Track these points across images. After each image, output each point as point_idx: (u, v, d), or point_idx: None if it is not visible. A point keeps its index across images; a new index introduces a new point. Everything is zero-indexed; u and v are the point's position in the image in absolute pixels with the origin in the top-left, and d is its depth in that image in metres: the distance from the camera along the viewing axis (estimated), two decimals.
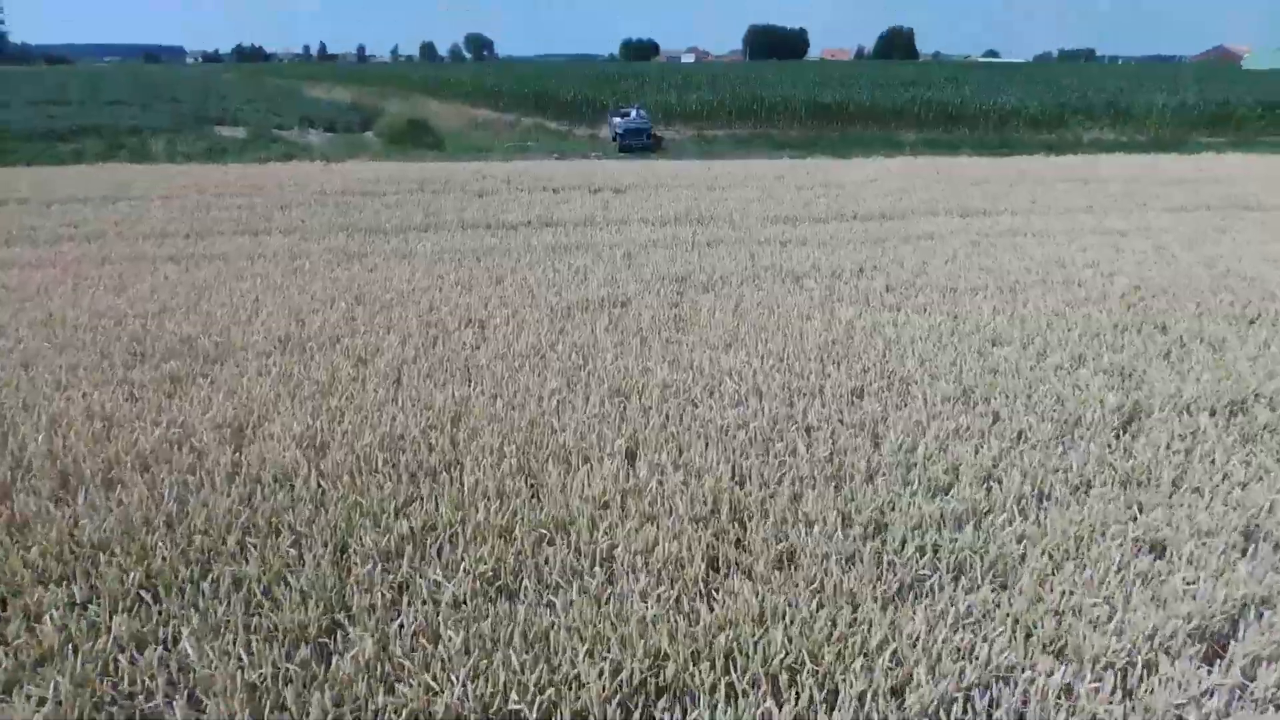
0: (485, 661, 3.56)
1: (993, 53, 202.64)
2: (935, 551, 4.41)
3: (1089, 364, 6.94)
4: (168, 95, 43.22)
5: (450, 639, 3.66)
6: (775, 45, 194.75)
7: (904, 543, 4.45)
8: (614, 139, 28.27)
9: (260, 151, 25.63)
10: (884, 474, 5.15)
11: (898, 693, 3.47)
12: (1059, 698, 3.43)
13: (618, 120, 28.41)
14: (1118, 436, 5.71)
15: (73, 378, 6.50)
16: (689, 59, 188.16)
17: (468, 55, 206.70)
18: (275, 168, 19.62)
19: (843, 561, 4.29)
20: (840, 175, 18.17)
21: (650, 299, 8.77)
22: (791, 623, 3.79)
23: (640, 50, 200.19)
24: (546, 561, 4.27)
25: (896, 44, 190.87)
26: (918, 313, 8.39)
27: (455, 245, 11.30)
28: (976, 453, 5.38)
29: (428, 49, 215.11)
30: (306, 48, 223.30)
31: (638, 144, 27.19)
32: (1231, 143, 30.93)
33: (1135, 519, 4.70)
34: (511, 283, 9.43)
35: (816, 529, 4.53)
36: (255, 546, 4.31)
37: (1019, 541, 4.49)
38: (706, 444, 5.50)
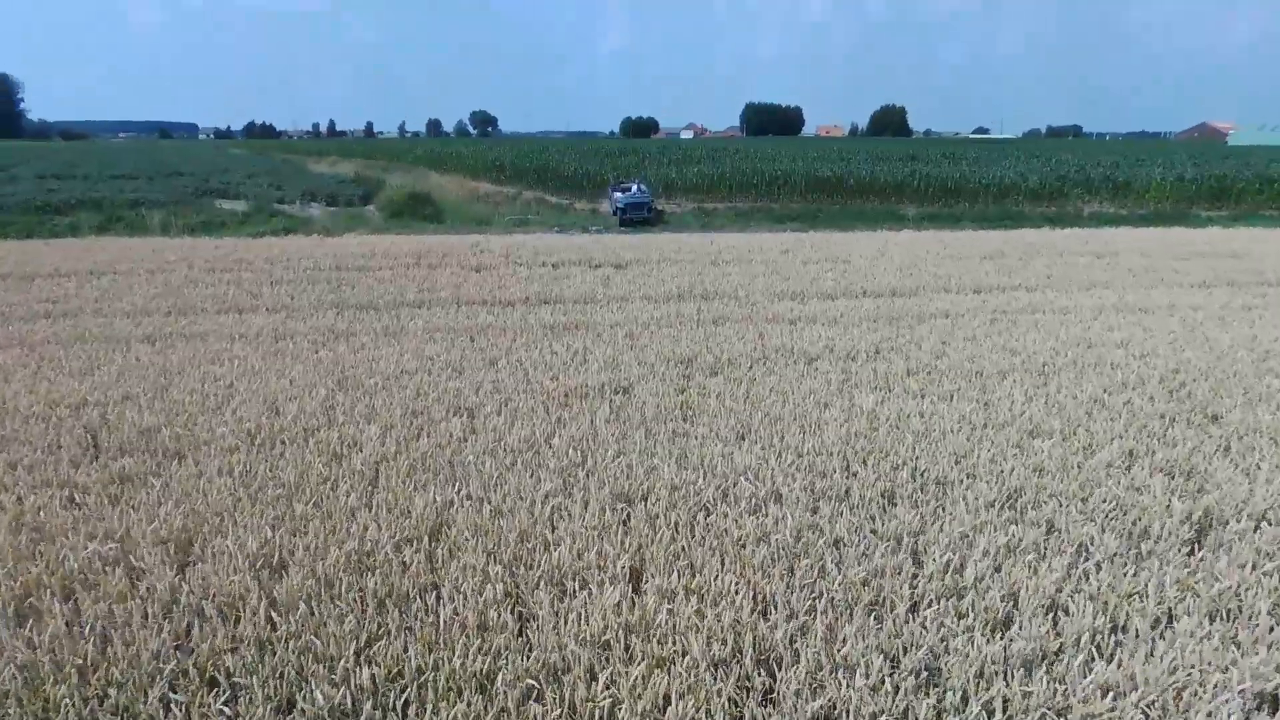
0: None
1: (983, 130, 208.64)
2: (1005, 709, 3.65)
3: (1142, 461, 6.25)
4: (172, 169, 43.67)
5: None
6: (772, 122, 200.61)
7: (965, 698, 3.69)
8: (615, 213, 28.22)
9: (260, 225, 25.51)
10: (931, 602, 4.41)
11: None
12: None
13: (618, 195, 28.42)
14: (1192, 552, 4.98)
15: (10, 478, 5.81)
16: (688, 135, 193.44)
17: (473, 132, 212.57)
18: (270, 242, 19.31)
19: None
20: (846, 249, 17.82)
21: (654, 384, 8.14)
22: None
23: (640, 127, 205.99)
24: None
25: (889, 122, 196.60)
26: (945, 400, 7.75)
27: (449, 323, 10.75)
28: (1035, 574, 4.65)
29: (434, 126, 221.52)
30: (316, 125, 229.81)
31: (638, 217, 27.11)
32: (1232, 216, 30.94)
33: (1235, 662, 3.95)
34: (506, 365, 8.82)
35: (859, 677, 3.77)
36: (181, 707, 3.55)
37: (1105, 694, 3.72)
38: (722, 561, 4.78)
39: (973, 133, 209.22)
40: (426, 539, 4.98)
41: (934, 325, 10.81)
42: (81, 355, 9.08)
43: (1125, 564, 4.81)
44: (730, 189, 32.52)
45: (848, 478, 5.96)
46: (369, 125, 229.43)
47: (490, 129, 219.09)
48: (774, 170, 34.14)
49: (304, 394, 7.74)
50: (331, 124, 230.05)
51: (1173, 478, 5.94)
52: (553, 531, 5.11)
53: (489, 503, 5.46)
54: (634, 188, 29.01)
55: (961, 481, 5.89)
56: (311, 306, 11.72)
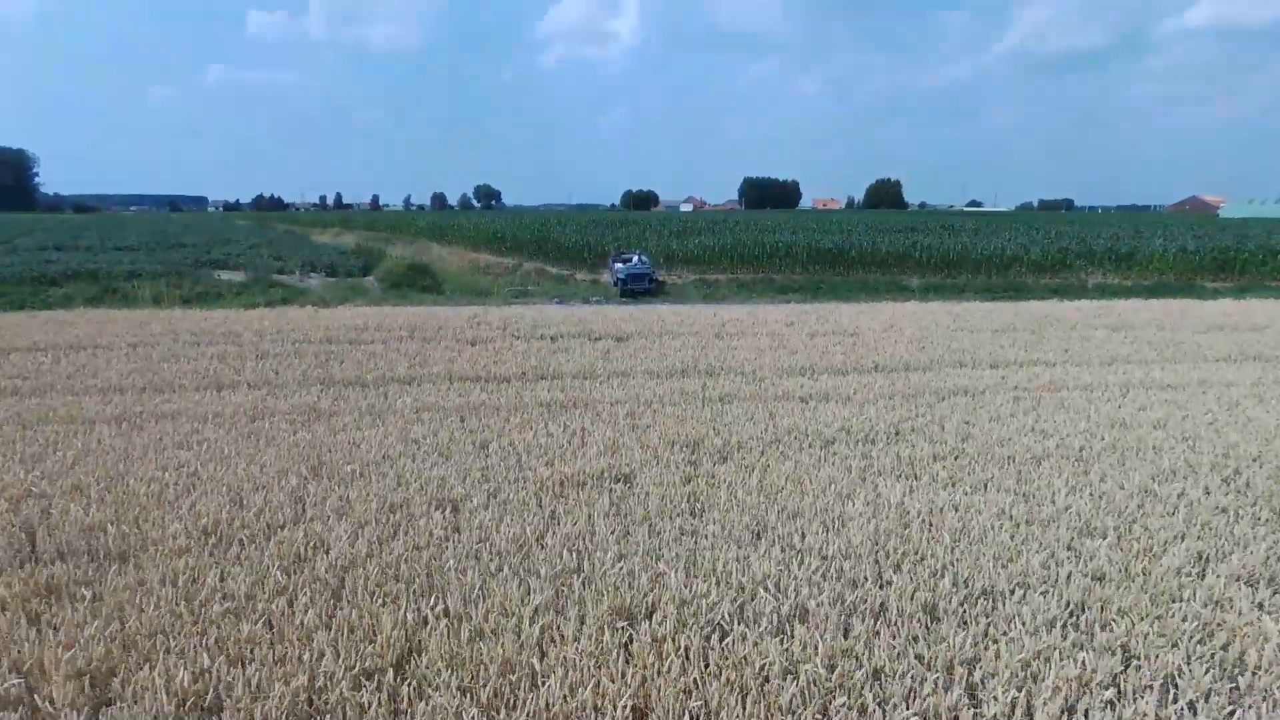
0: None
1: (976, 203, 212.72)
2: None
3: (1216, 566, 5.51)
4: (175, 240, 43.83)
5: None
6: (769, 195, 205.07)
7: None
8: (615, 284, 27.94)
9: (257, 296, 25.17)
10: None
11: None
12: None
13: (619, 265, 28.19)
14: None
15: None
16: (687, 208, 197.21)
17: (476, 205, 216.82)
18: (263, 313, 18.85)
19: None
20: (853, 321, 17.33)
21: (658, 471, 7.43)
22: None
23: (640, 200, 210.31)
24: None
25: (885, 194, 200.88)
26: (978, 490, 7.04)
27: (439, 401, 10.11)
28: None
29: (438, 199, 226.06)
30: (323, 198, 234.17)
31: (640, 288, 26.81)
32: (1238, 288, 30.68)
33: None
34: (497, 449, 8.14)
35: None
36: None
37: None
38: (743, 701, 4.01)
39: (966, 205, 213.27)
40: (391, 671, 4.20)
41: (954, 403, 10.16)
42: (39, 438, 8.41)
43: (1226, 705, 4.03)
44: (732, 260, 32.34)
45: (881, 587, 5.21)
46: (375, 198, 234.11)
47: (494, 202, 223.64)
48: (774, 242, 34.10)
49: (273, 482, 7.03)
50: (338, 197, 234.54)
51: (1255, 588, 5.19)
52: (542, 660, 4.34)
53: (469, 621, 4.70)
54: (635, 258, 28.83)
55: (1012, 592, 5.13)
56: (296, 382, 11.11)
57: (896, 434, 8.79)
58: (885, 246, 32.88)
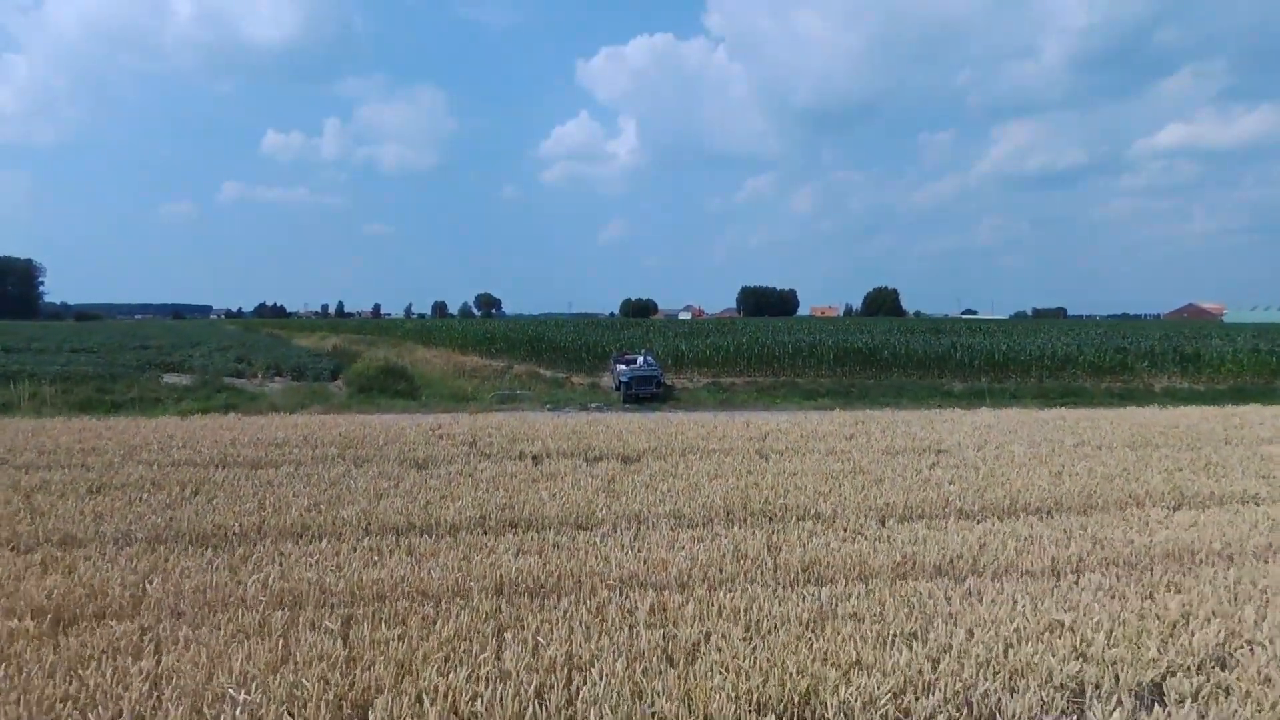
0: None
1: (970, 311, 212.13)
2: None
3: None
4: (139, 343, 40.31)
5: None
6: (767, 304, 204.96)
7: None
8: (617, 388, 24.05)
9: (202, 402, 21.24)
10: None
11: None
12: None
13: (622, 367, 24.33)
14: None
15: None
16: (685, 316, 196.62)
17: (477, 313, 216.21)
18: (173, 423, 14.80)
19: None
20: (930, 433, 13.26)
21: None
22: None
23: (639, 308, 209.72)
24: None
25: (883, 302, 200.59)
26: None
27: (321, 580, 5.90)
28: None
29: (439, 307, 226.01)
30: (324, 306, 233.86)
31: (645, 393, 22.89)
32: None
33: None
34: (409, 690, 3.93)
35: None
36: None
37: None
38: None
39: (961, 313, 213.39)
40: None
41: (1201, 576, 5.98)
42: None
43: None
44: (748, 362, 28.53)
45: None
46: (376, 307, 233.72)
47: (494, 310, 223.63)
48: (795, 341, 30.50)
49: None
50: (340, 305, 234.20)
51: None
52: None
53: None
54: (640, 359, 25.06)
55: None
56: (114, 537, 6.94)
57: (1171, 672, 4.58)
58: (920, 347, 29.23)
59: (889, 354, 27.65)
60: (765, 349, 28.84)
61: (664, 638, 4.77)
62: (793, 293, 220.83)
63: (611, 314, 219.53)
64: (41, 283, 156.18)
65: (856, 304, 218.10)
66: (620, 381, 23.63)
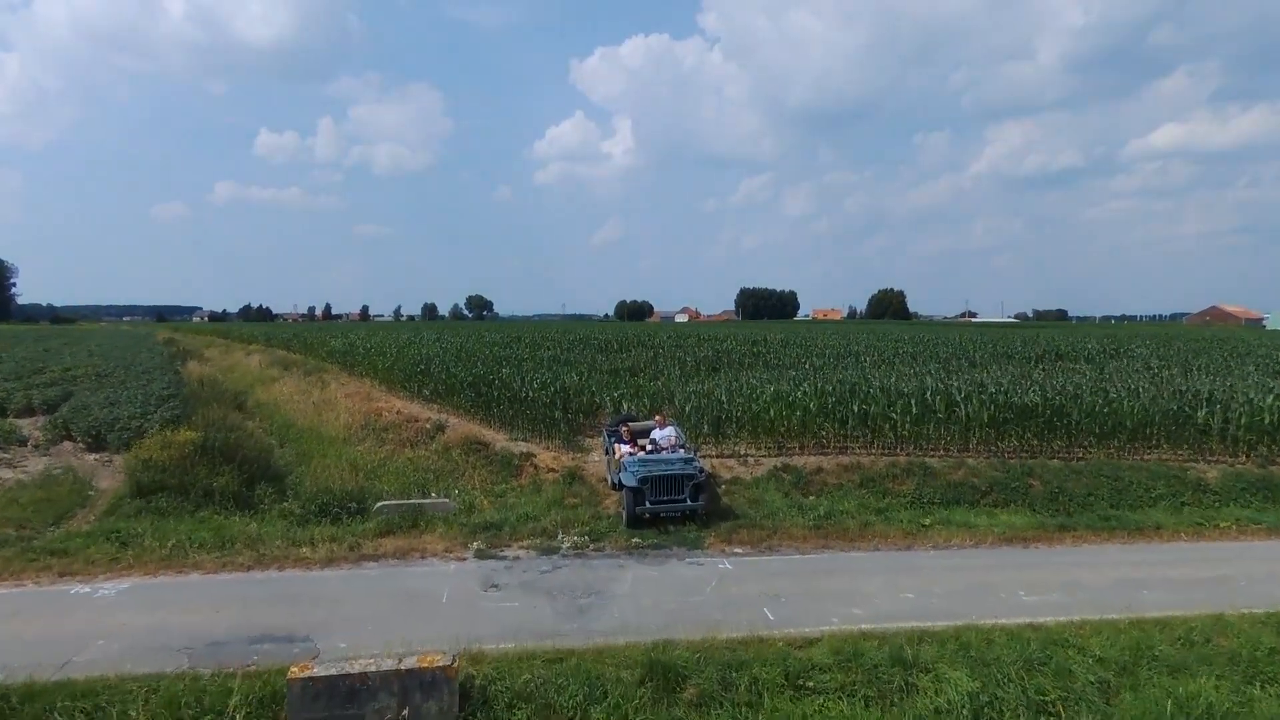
0: None
1: (970, 313, 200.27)
2: None
3: None
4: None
5: None
6: (766, 306, 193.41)
7: None
8: (616, 487, 12.98)
9: None
10: None
11: None
12: None
13: (628, 450, 13.00)
14: None
15: None
16: (682, 318, 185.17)
17: (469, 315, 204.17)
18: None
19: None
20: None
21: None
22: None
23: (635, 310, 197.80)
24: None
25: (889, 304, 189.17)
26: None
27: None
28: None
29: (429, 309, 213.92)
30: (312, 308, 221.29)
31: (674, 510, 11.85)
32: None
33: None
34: None
35: None
36: None
37: None
38: None
39: (959, 316, 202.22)
40: None
41: None
42: None
43: None
44: (828, 414, 16.41)
45: None
46: (364, 309, 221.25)
47: (485, 312, 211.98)
48: (896, 383, 19.14)
49: None
50: (328, 307, 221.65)
51: None
52: None
53: None
54: (661, 432, 13.81)
55: None
56: None
57: None
58: (1133, 405, 16.97)
59: (1081, 414, 16.03)
60: (853, 391, 17.04)
61: None
62: (793, 295, 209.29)
63: (606, 315, 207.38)
64: (14, 284, 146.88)
65: (858, 305, 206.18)
66: (622, 482, 12.40)
